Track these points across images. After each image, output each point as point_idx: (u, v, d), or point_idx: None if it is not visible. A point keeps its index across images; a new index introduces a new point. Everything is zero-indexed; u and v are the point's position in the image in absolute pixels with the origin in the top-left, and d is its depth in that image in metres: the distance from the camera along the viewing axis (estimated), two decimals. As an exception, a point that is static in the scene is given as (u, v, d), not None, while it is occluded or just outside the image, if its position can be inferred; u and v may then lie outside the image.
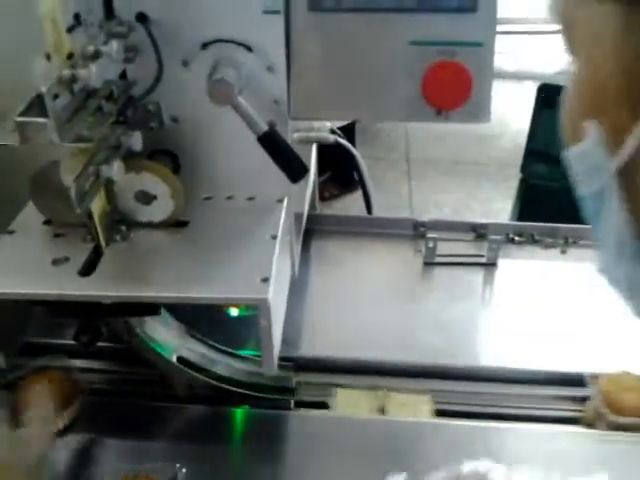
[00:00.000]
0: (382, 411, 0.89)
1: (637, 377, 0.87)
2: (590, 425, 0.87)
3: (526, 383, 0.93)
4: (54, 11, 0.59)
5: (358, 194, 3.41)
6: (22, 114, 0.58)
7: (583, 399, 0.90)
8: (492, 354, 0.97)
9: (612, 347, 0.96)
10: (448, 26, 0.74)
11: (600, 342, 0.97)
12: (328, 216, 1.28)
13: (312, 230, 1.22)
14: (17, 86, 0.66)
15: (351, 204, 3.16)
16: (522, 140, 3.11)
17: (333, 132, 1.17)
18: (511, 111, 3.96)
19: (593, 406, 0.87)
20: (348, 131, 1.14)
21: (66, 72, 0.59)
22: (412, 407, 0.88)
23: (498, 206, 3.21)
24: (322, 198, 2.96)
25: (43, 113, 0.59)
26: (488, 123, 0.79)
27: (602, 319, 1.01)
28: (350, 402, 0.89)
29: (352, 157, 1.26)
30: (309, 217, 1.13)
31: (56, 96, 0.58)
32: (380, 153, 3.64)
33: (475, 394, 0.91)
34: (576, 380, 0.92)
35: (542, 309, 1.04)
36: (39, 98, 0.59)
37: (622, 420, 0.83)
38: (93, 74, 0.60)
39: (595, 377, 0.89)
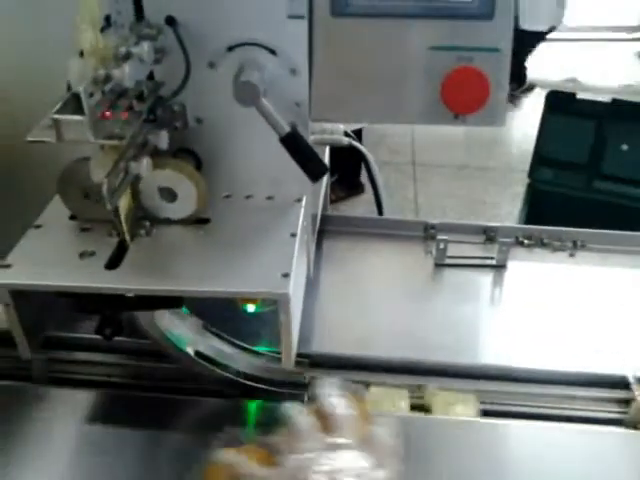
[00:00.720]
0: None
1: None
2: (634, 427, 0.88)
3: (561, 384, 0.94)
4: (93, 12, 0.61)
5: (364, 197, 3.44)
6: (59, 112, 0.60)
7: (626, 401, 0.91)
8: (504, 354, 0.98)
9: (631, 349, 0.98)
10: (466, 32, 0.76)
11: (617, 343, 0.99)
12: (339, 217, 1.30)
13: (324, 231, 1.24)
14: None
15: (358, 206, 3.19)
16: (527, 146, 3.14)
17: (347, 135, 1.19)
18: (517, 117, 4.00)
19: (637, 407, 0.88)
20: (356, 134, 1.16)
21: (101, 72, 0.61)
22: (454, 405, 0.90)
23: (504, 211, 3.23)
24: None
25: (78, 111, 0.61)
26: (499, 128, 0.81)
27: (611, 321, 1.03)
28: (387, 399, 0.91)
29: (362, 159, 1.28)
30: (321, 218, 1.15)
31: (91, 95, 0.60)
32: (386, 157, 3.66)
33: (513, 394, 0.93)
34: (619, 382, 0.93)
35: (551, 311, 1.06)
36: (74, 96, 0.62)
37: None
38: (126, 74, 0.62)
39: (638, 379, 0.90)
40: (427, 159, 3.70)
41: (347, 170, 3.14)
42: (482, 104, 0.77)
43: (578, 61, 4.11)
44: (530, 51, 3.90)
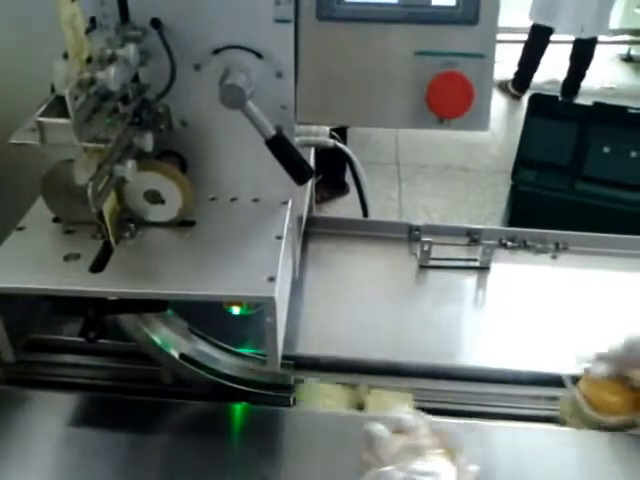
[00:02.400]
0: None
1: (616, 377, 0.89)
2: (564, 423, 0.90)
3: (510, 383, 0.96)
4: (74, 17, 0.61)
5: (348, 197, 3.44)
6: (43, 114, 0.60)
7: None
8: (482, 355, 1.00)
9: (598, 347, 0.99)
10: (451, 38, 0.77)
11: (585, 343, 1.00)
12: (325, 218, 1.30)
13: (309, 232, 1.25)
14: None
15: (342, 207, 3.19)
16: (509, 148, 3.16)
17: (332, 136, 1.19)
18: (499, 119, 4.02)
19: (569, 403, 0.90)
20: (340, 134, 1.16)
21: (86, 75, 0.61)
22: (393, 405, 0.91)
23: (486, 211, 3.26)
24: (314, 201, 2.97)
25: (63, 114, 0.61)
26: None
27: (592, 322, 1.05)
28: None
29: (348, 161, 1.28)
30: (306, 219, 1.15)
31: (76, 98, 0.60)
32: (370, 157, 3.67)
33: (458, 393, 0.95)
34: (555, 380, 0.94)
35: (532, 312, 1.07)
36: (58, 99, 0.61)
37: (601, 417, 0.86)
38: (112, 77, 0.62)
39: (576, 377, 0.91)
40: (411, 159, 3.71)
41: (332, 171, 3.14)
42: (466, 109, 0.78)
43: (560, 63, 4.16)
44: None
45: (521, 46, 3.98)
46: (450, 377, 0.97)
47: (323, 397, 0.93)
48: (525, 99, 4.01)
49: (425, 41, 0.77)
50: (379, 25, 0.76)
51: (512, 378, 0.97)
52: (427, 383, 0.97)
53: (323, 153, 1.19)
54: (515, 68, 4.02)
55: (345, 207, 3.22)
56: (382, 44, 0.77)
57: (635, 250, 1.21)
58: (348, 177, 3.08)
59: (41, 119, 0.59)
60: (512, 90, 4.05)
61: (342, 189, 3.35)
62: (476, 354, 1.00)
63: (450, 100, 0.77)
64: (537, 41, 3.84)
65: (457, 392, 0.96)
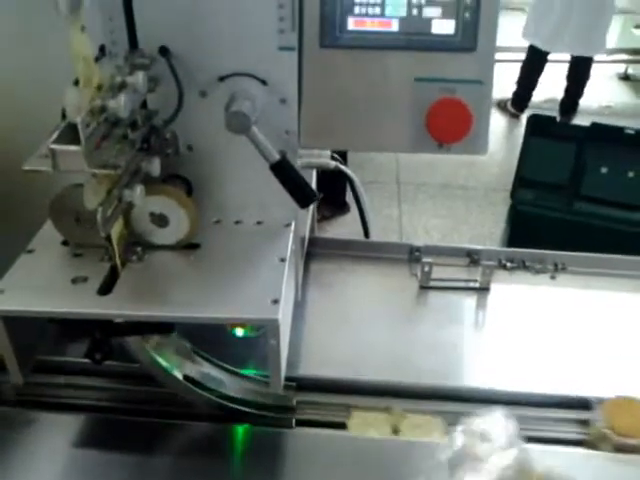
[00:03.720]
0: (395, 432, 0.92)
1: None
2: (594, 447, 0.90)
3: (530, 405, 0.96)
4: (84, 46, 0.63)
5: (349, 216, 3.46)
6: (55, 142, 0.61)
7: (587, 422, 0.93)
8: (484, 376, 1.00)
9: (608, 371, 1.00)
10: (449, 64, 0.79)
11: (593, 365, 1.01)
12: (326, 239, 1.32)
13: (310, 253, 1.26)
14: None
15: (343, 226, 3.21)
16: (508, 166, 3.18)
17: (333, 158, 1.21)
18: (499, 139, 4.06)
19: (597, 428, 0.90)
20: (341, 154, 1.18)
21: (97, 103, 0.63)
22: (425, 428, 0.91)
23: (486, 230, 3.27)
24: (314, 220, 2.99)
25: (74, 141, 0.62)
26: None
27: (591, 343, 1.06)
28: (364, 423, 0.92)
29: (349, 182, 1.30)
30: (308, 240, 1.17)
31: (87, 125, 0.62)
32: (371, 176, 3.70)
33: (454, 414, 0.94)
34: (581, 403, 0.95)
35: (533, 333, 1.08)
36: (70, 126, 0.63)
37: (626, 442, 0.87)
38: (122, 105, 0.64)
39: (600, 401, 0.92)
40: (411, 178, 3.74)
41: (333, 190, 3.17)
42: (465, 134, 0.79)
43: (558, 82, 4.20)
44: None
45: (519, 65, 4.03)
46: (453, 398, 0.98)
47: (367, 425, 0.93)
48: (524, 118, 4.06)
49: (425, 68, 0.79)
50: (380, 52, 0.79)
51: (524, 400, 0.97)
52: (428, 404, 0.97)
53: (324, 172, 1.21)
54: (514, 87, 4.07)
55: (346, 226, 3.24)
56: (383, 71, 0.79)
57: (633, 271, 1.22)
58: (349, 196, 3.09)
59: (54, 146, 0.61)
60: (511, 109, 4.09)
61: (343, 208, 3.37)
62: (477, 375, 1.01)
63: (449, 125, 0.79)
64: (535, 61, 3.89)
65: (454, 413, 0.96)
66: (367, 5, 0.76)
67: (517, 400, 0.96)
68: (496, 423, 0.76)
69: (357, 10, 0.76)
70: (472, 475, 0.71)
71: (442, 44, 0.78)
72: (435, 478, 0.76)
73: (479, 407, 0.95)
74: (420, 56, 0.78)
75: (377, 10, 0.76)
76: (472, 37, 0.78)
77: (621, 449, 0.88)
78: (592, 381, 0.98)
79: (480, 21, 0.77)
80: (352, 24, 0.77)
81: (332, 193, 3.21)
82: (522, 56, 4.00)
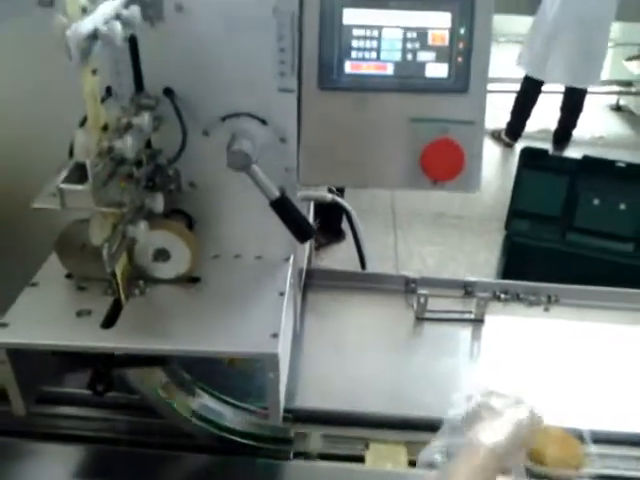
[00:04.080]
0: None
1: (561, 429, 0.92)
2: None
3: None
4: (95, 89, 0.65)
5: (344, 244, 3.47)
6: (64, 181, 0.64)
7: None
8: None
9: (598, 402, 1.02)
10: (443, 106, 0.82)
11: (584, 397, 1.03)
12: (323, 271, 1.34)
13: (308, 284, 1.28)
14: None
15: (338, 253, 3.22)
16: (503, 196, 3.22)
17: (330, 191, 1.24)
18: (493, 168, 4.11)
19: None
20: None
21: (105, 144, 0.65)
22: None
23: (481, 258, 3.30)
24: (311, 248, 3.01)
25: (81, 180, 0.65)
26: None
27: (585, 375, 1.07)
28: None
29: (345, 214, 1.33)
30: (305, 271, 1.19)
31: (95, 165, 0.64)
32: (366, 205, 3.73)
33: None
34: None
35: (527, 364, 1.10)
36: (77, 166, 0.65)
37: (542, 470, 0.88)
38: (129, 147, 0.66)
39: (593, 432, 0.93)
40: (406, 207, 3.77)
41: (328, 217, 3.20)
42: (458, 172, 0.82)
43: (551, 112, 4.27)
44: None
45: (512, 95, 4.10)
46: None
47: (383, 458, 0.94)
48: (518, 147, 4.12)
49: (419, 109, 0.82)
50: (376, 94, 0.82)
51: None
52: (424, 436, 0.98)
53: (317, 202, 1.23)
54: (507, 117, 4.13)
55: (341, 253, 3.25)
56: (379, 112, 0.82)
57: (625, 303, 1.24)
58: (344, 223, 3.12)
59: (62, 186, 0.63)
60: (505, 139, 4.15)
61: (338, 235, 3.39)
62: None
63: (443, 164, 0.82)
64: (529, 91, 3.96)
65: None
66: (364, 50, 0.80)
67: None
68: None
69: (354, 54, 0.80)
70: (489, 426, 0.73)
71: (436, 86, 0.81)
72: (453, 431, 0.77)
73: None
74: (415, 98, 0.82)
75: (373, 54, 0.80)
76: (464, 80, 0.81)
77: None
78: (583, 412, 1.00)
79: (472, 65, 0.81)
80: (349, 67, 0.80)
81: (328, 221, 3.24)
82: (514, 87, 4.07)
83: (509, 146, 4.15)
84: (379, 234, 3.51)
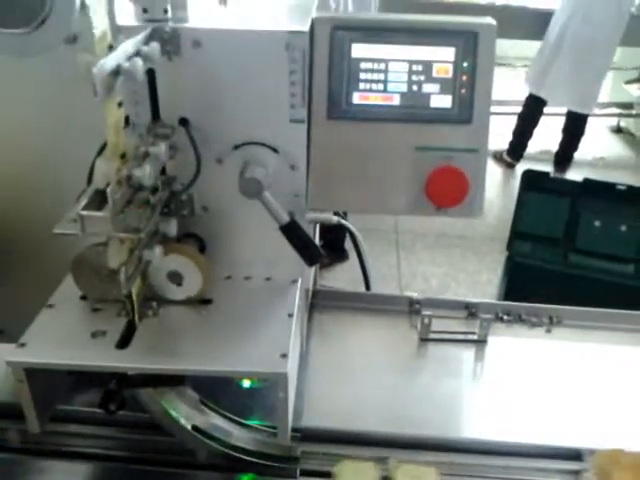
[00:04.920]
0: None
1: (632, 455, 0.93)
2: None
3: (522, 456, 0.99)
4: (118, 121, 0.69)
5: (347, 264, 3.49)
6: (84, 208, 0.67)
7: (577, 472, 0.96)
8: (488, 428, 1.03)
9: (602, 423, 1.03)
10: (447, 135, 0.86)
11: (587, 417, 1.05)
12: (328, 292, 1.36)
13: (313, 304, 1.30)
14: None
15: (342, 273, 3.25)
16: (505, 217, 3.25)
17: (336, 213, 1.27)
18: (495, 189, 4.15)
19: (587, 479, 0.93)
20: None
21: (124, 173, 0.69)
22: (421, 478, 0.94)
23: (484, 278, 3.32)
24: (315, 267, 3.03)
25: (100, 207, 0.68)
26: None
27: (586, 395, 1.09)
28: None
29: (351, 236, 1.35)
30: (311, 292, 1.21)
31: (114, 193, 0.67)
32: (370, 224, 3.76)
33: (477, 466, 0.98)
34: (572, 454, 0.98)
35: (529, 385, 1.12)
36: (97, 193, 0.69)
37: None
38: (147, 175, 0.69)
39: (592, 452, 0.95)
40: (409, 227, 3.80)
41: (332, 238, 3.23)
42: (461, 199, 0.85)
43: (553, 134, 4.32)
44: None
45: (514, 117, 4.15)
46: (451, 449, 1.01)
47: (359, 474, 0.95)
48: (520, 167, 4.16)
49: (424, 138, 0.86)
50: (383, 124, 0.85)
51: (515, 451, 1.00)
52: (428, 456, 1.00)
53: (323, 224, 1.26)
54: (509, 138, 4.18)
55: (344, 273, 3.27)
56: (385, 141, 0.86)
57: (627, 325, 1.26)
58: (348, 243, 3.14)
59: (83, 212, 0.66)
60: (507, 159, 4.19)
61: (342, 255, 3.42)
62: (474, 426, 1.04)
63: (447, 191, 0.85)
64: (531, 112, 4.00)
65: (477, 465, 0.99)
66: (371, 82, 0.83)
67: (513, 451, 0.99)
68: None
69: (362, 86, 0.83)
70: None
71: (440, 117, 0.85)
72: None
73: (475, 458, 0.99)
74: (420, 127, 0.85)
75: (380, 86, 0.83)
76: (468, 110, 0.84)
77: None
78: (586, 433, 1.01)
79: (475, 96, 0.84)
80: (357, 98, 0.84)
81: (332, 241, 3.27)
82: (516, 109, 4.12)
83: (511, 166, 4.19)
84: (382, 254, 3.53)
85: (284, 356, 0.76)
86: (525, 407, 1.07)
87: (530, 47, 4.18)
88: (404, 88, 0.84)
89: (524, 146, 4.16)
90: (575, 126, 4.02)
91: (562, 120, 4.12)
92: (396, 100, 0.84)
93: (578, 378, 1.14)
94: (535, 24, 3.89)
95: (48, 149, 0.86)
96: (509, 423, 1.04)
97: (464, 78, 0.83)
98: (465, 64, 0.83)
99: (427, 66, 0.83)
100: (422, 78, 0.83)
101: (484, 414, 1.07)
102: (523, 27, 3.91)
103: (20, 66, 0.80)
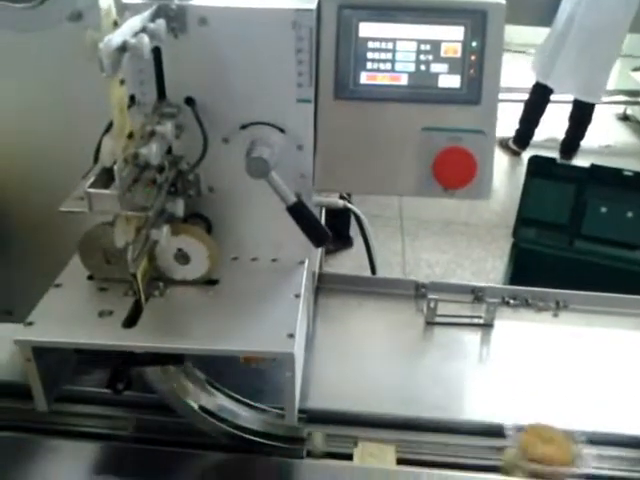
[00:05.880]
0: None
1: (557, 429, 0.94)
2: (508, 473, 0.94)
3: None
4: (122, 99, 0.68)
5: (352, 251, 3.49)
6: (91, 186, 0.67)
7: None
8: (494, 411, 1.03)
9: (607, 407, 1.04)
10: (456, 116, 0.85)
11: (594, 401, 1.05)
12: (334, 275, 1.36)
13: (319, 288, 1.30)
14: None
15: (347, 260, 3.25)
16: (510, 204, 3.24)
17: (342, 197, 1.26)
18: (500, 176, 4.13)
19: (511, 455, 0.94)
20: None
21: (131, 151, 0.68)
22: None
23: (489, 265, 3.31)
24: (319, 254, 3.03)
25: (107, 185, 0.68)
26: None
27: (593, 380, 1.09)
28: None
29: (357, 221, 1.35)
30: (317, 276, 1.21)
31: (121, 171, 0.67)
32: (374, 211, 3.75)
33: (477, 448, 0.99)
34: (496, 431, 0.98)
35: (535, 369, 1.12)
36: (104, 171, 0.68)
37: (538, 468, 0.90)
38: (154, 153, 0.69)
39: (519, 428, 0.95)
40: (414, 214, 3.79)
41: (337, 224, 3.22)
42: (469, 180, 0.85)
43: (559, 122, 4.30)
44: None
45: (520, 104, 4.12)
46: (453, 431, 1.01)
47: (368, 456, 0.96)
48: (525, 155, 4.14)
49: (432, 118, 0.85)
50: (390, 104, 0.84)
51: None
52: (430, 437, 1.01)
53: (329, 208, 1.25)
54: (515, 126, 4.15)
55: (349, 259, 3.28)
56: (392, 121, 0.85)
57: (633, 309, 1.26)
58: (352, 230, 3.14)
59: (90, 190, 0.66)
60: (513, 147, 4.17)
61: (347, 242, 3.42)
62: (480, 409, 1.04)
63: (455, 173, 0.84)
64: (538, 99, 3.97)
65: (458, 445, 1.00)
66: (379, 61, 0.82)
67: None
68: None
69: (369, 65, 0.82)
70: None
71: (448, 97, 0.84)
72: None
73: (480, 439, 0.99)
74: (427, 108, 0.84)
75: (388, 66, 0.82)
76: (476, 91, 0.84)
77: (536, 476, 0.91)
78: (591, 416, 1.02)
79: (484, 76, 0.83)
80: (365, 78, 0.83)
81: (336, 228, 3.26)
82: (522, 96, 4.09)
83: (517, 154, 4.17)
84: (387, 241, 3.53)
85: (291, 336, 0.76)
86: (532, 390, 1.07)
87: (536, 34, 4.14)
88: (412, 68, 0.83)
89: (530, 134, 4.14)
90: (582, 114, 3.99)
91: (569, 108, 4.09)
92: (404, 80, 0.83)
93: (585, 362, 1.14)
94: (543, 10, 3.85)
95: (52, 127, 0.86)
96: (515, 406, 1.04)
97: (473, 58, 0.82)
98: (474, 44, 0.82)
99: (435, 45, 0.82)
100: (430, 58, 0.82)
101: (491, 397, 1.07)
102: (530, 13, 3.87)
103: (23, 42, 0.79)
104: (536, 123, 4.09)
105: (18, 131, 0.86)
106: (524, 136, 4.13)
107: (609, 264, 2.19)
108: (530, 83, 3.98)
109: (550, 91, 3.87)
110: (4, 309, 0.97)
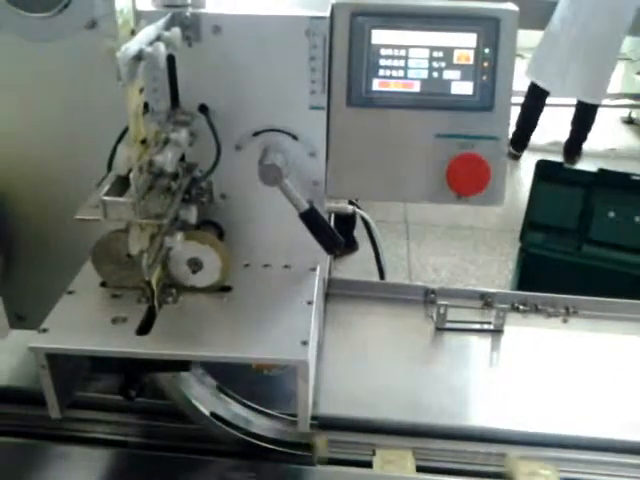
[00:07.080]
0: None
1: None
2: None
3: (544, 446, 0.99)
4: (139, 107, 0.68)
5: (358, 256, 3.48)
6: (107, 194, 0.67)
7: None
8: (504, 417, 1.03)
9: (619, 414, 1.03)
10: (468, 122, 0.85)
11: (600, 407, 1.04)
12: (343, 281, 1.35)
13: (328, 293, 1.30)
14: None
15: (352, 264, 3.24)
16: (516, 208, 3.24)
17: (351, 203, 1.26)
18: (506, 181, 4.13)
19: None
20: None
21: (146, 159, 0.68)
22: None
23: (494, 270, 3.31)
24: (325, 258, 3.03)
25: (122, 193, 0.68)
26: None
27: (604, 386, 1.09)
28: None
29: (366, 226, 1.35)
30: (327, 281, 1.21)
31: (136, 179, 0.67)
32: (379, 215, 3.75)
33: (489, 455, 0.98)
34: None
35: (546, 375, 1.11)
36: (119, 179, 0.69)
37: None
38: (169, 161, 0.69)
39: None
40: (419, 218, 3.79)
41: (342, 229, 3.23)
42: (483, 187, 0.85)
43: (561, 125, 4.30)
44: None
45: (517, 108, 4.11)
46: (466, 438, 1.01)
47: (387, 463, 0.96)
48: (523, 158, 4.14)
49: (444, 125, 0.85)
50: (403, 111, 0.84)
51: (531, 440, 1.00)
52: (442, 444, 1.00)
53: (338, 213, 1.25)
54: (513, 128, 4.14)
55: (355, 264, 3.27)
56: (405, 128, 0.85)
57: (641, 315, 1.26)
58: (356, 234, 3.14)
59: (105, 198, 0.66)
60: (511, 150, 4.16)
61: (352, 246, 3.41)
62: (490, 416, 1.04)
63: (468, 180, 0.84)
64: (534, 101, 3.96)
65: (471, 453, 0.99)
66: (391, 68, 0.82)
67: (528, 440, 0.99)
68: None
69: (382, 73, 0.83)
70: None
71: (461, 104, 0.84)
72: None
73: (489, 447, 0.99)
74: (440, 115, 0.84)
75: (400, 73, 0.83)
76: (489, 97, 0.84)
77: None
78: (601, 422, 1.01)
79: (496, 83, 0.83)
80: (377, 85, 0.83)
81: (341, 232, 3.25)
82: (519, 100, 4.08)
83: (515, 158, 4.17)
84: (392, 245, 3.53)
85: (305, 343, 0.76)
86: (543, 397, 1.07)
87: (531, 38, 4.14)
88: (425, 75, 0.83)
89: (527, 137, 4.13)
90: (584, 117, 3.99)
91: (571, 111, 4.08)
92: (416, 87, 0.83)
93: (595, 368, 1.14)
94: (538, 14, 3.84)
95: (68, 135, 0.86)
96: (526, 413, 1.04)
97: (485, 64, 0.82)
98: (487, 50, 0.82)
99: (448, 52, 0.82)
100: (443, 65, 0.82)
101: (501, 404, 1.07)
102: (528, 16, 3.86)
103: (39, 51, 0.79)
104: (534, 125, 4.08)
105: (34, 140, 0.87)
106: (521, 139, 4.13)
107: (617, 269, 2.19)
108: (526, 86, 3.97)
109: (546, 93, 3.86)
110: (17, 315, 0.97)
